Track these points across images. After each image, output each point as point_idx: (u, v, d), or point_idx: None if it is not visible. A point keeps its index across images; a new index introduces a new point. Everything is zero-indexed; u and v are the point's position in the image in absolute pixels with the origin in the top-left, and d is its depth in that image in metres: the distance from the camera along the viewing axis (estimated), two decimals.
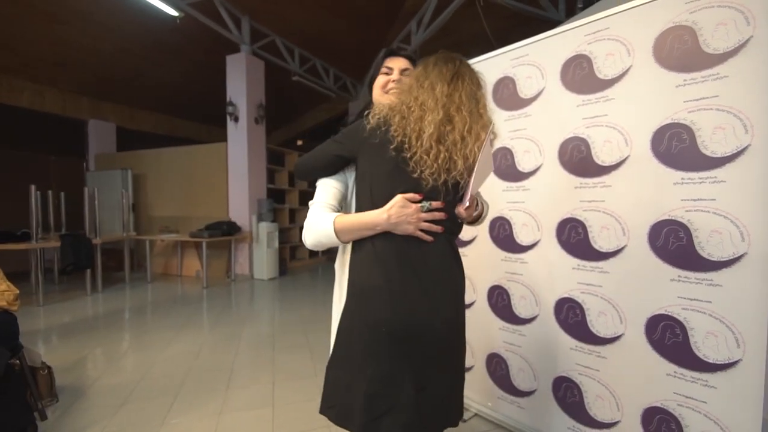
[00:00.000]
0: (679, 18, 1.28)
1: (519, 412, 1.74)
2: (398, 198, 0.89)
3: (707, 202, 1.21)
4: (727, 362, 1.19)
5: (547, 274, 1.64)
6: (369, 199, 0.94)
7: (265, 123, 5.71)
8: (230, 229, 5.13)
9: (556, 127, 1.60)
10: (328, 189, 1.02)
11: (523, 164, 1.72)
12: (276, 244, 5.45)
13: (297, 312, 3.71)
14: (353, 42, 6.30)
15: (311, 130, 10.16)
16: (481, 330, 1.89)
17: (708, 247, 1.22)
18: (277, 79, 6.27)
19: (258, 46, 5.56)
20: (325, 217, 0.95)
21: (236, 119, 5.39)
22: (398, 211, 0.88)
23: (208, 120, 8.93)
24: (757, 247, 1.14)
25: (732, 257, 1.17)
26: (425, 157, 0.89)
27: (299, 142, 11.26)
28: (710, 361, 1.22)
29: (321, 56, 6.70)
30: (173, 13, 4.55)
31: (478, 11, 4.48)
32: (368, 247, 0.93)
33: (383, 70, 1.09)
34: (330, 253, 7.45)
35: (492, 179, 1.79)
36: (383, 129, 0.93)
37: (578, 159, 1.54)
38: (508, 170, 1.77)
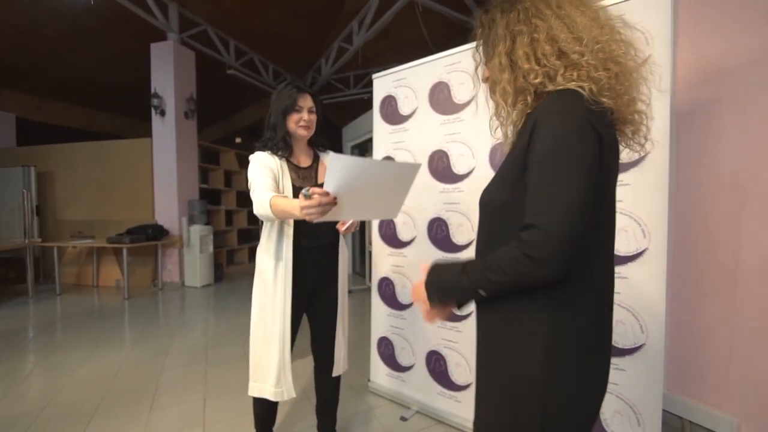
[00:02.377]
0: None
1: (401, 385, 2.00)
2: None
3: (617, 203, 1.34)
4: (633, 347, 1.33)
5: (419, 265, 1.85)
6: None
7: (196, 118, 5.32)
8: (156, 233, 4.70)
9: (426, 141, 1.88)
10: (267, 179, 1.21)
11: None
12: (210, 248, 5.10)
13: (233, 321, 3.50)
14: (293, 39, 6.11)
15: (250, 127, 9.69)
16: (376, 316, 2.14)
17: (617, 243, 1.34)
18: (211, 73, 5.89)
19: (188, 35, 5.17)
20: (266, 195, 1.15)
21: (162, 113, 4.96)
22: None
23: (131, 113, 8.12)
24: (655, 243, 1.29)
25: (636, 252, 1.31)
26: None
27: (237, 140, 10.69)
28: (620, 346, 1.35)
29: (259, 50, 6.41)
30: None
31: (417, 16, 4.58)
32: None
33: (296, 107, 1.28)
34: None
35: None
36: (598, 110, 0.64)
37: (441, 168, 1.82)
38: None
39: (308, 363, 1.54)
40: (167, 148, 4.97)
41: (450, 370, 1.80)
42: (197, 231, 4.90)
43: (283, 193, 1.26)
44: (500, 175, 0.75)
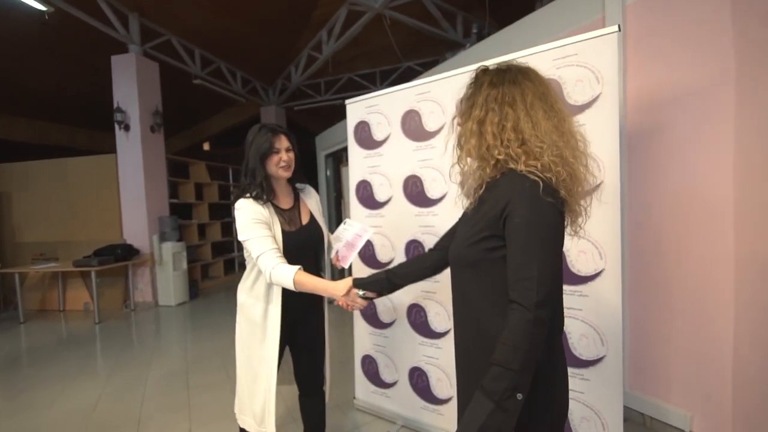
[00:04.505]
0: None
1: (386, 401, 2.06)
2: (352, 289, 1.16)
3: None
4: (595, 358, 1.46)
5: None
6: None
7: (163, 131, 5.17)
8: (126, 253, 4.55)
9: (400, 166, 1.95)
10: (268, 238, 1.24)
11: (378, 195, 2.05)
12: (184, 264, 4.99)
13: (212, 341, 3.46)
14: (261, 46, 6.03)
15: (219, 135, 9.47)
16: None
17: (577, 264, 1.47)
18: (176, 82, 5.72)
19: (150, 46, 5.01)
20: (287, 271, 1.19)
21: (127, 128, 4.79)
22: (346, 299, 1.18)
23: (88, 125, 7.75)
24: (611, 264, 1.42)
25: (594, 272, 1.44)
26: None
27: (206, 147, 10.42)
28: (584, 358, 1.48)
29: (226, 58, 6.29)
30: (39, 6, 3.86)
31: (386, 27, 4.66)
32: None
33: (274, 150, 1.28)
34: None
35: (357, 208, 2.15)
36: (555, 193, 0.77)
37: (416, 192, 1.91)
38: (369, 200, 2.09)
39: (291, 386, 1.58)
40: (133, 163, 4.81)
41: (432, 384, 1.89)
42: (170, 248, 4.78)
43: (274, 237, 1.27)
44: (467, 236, 0.85)
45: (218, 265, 6.43)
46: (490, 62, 0.91)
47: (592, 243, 1.44)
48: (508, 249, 0.75)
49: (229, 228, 6.92)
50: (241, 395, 1.38)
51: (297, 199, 1.43)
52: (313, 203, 1.47)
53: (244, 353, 1.35)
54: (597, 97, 1.43)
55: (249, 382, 1.35)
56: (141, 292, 4.86)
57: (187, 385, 2.58)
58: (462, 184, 0.93)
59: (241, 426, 1.38)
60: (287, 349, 1.47)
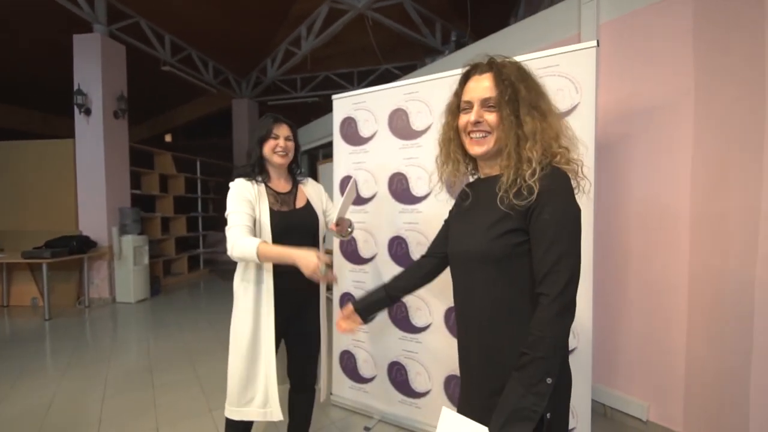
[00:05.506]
0: None
1: (364, 396, 2.08)
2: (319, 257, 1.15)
3: None
4: (569, 350, 1.55)
5: (380, 281, 1.96)
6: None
7: (127, 117, 4.89)
8: (81, 245, 4.26)
9: (386, 163, 1.99)
10: (244, 215, 1.25)
11: (363, 191, 2.07)
12: (146, 259, 4.74)
13: (177, 339, 3.31)
14: (236, 37, 5.86)
15: (185, 126, 9.09)
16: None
17: None
18: (142, 67, 5.44)
19: (117, 28, 4.74)
20: (249, 242, 1.19)
21: (87, 112, 4.49)
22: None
23: (47, 109, 7.20)
24: (583, 262, 1.51)
25: None
26: None
27: (167, 138, 9.95)
28: None
29: (198, 47, 6.06)
30: None
31: (367, 27, 4.69)
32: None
33: (272, 135, 1.34)
34: (212, 265, 6.81)
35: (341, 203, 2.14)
36: None
37: (401, 190, 1.95)
38: (356, 197, 2.10)
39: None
40: (93, 150, 4.52)
41: (411, 378, 1.92)
42: (130, 242, 4.53)
43: (260, 216, 1.29)
44: (488, 231, 0.82)
45: (182, 261, 6.15)
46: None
47: None
48: (536, 242, 0.77)
49: (194, 223, 6.65)
50: (242, 383, 1.31)
51: (295, 185, 1.47)
52: (311, 191, 1.49)
53: (237, 339, 1.32)
54: (576, 106, 1.54)
55: (245, 369, 1.30)
56: (97, 288, 4.56)
57: (152, 384, 2.46)
58: (450, 182, 0.98)
59: (228, 417, 1.33)
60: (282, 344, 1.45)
